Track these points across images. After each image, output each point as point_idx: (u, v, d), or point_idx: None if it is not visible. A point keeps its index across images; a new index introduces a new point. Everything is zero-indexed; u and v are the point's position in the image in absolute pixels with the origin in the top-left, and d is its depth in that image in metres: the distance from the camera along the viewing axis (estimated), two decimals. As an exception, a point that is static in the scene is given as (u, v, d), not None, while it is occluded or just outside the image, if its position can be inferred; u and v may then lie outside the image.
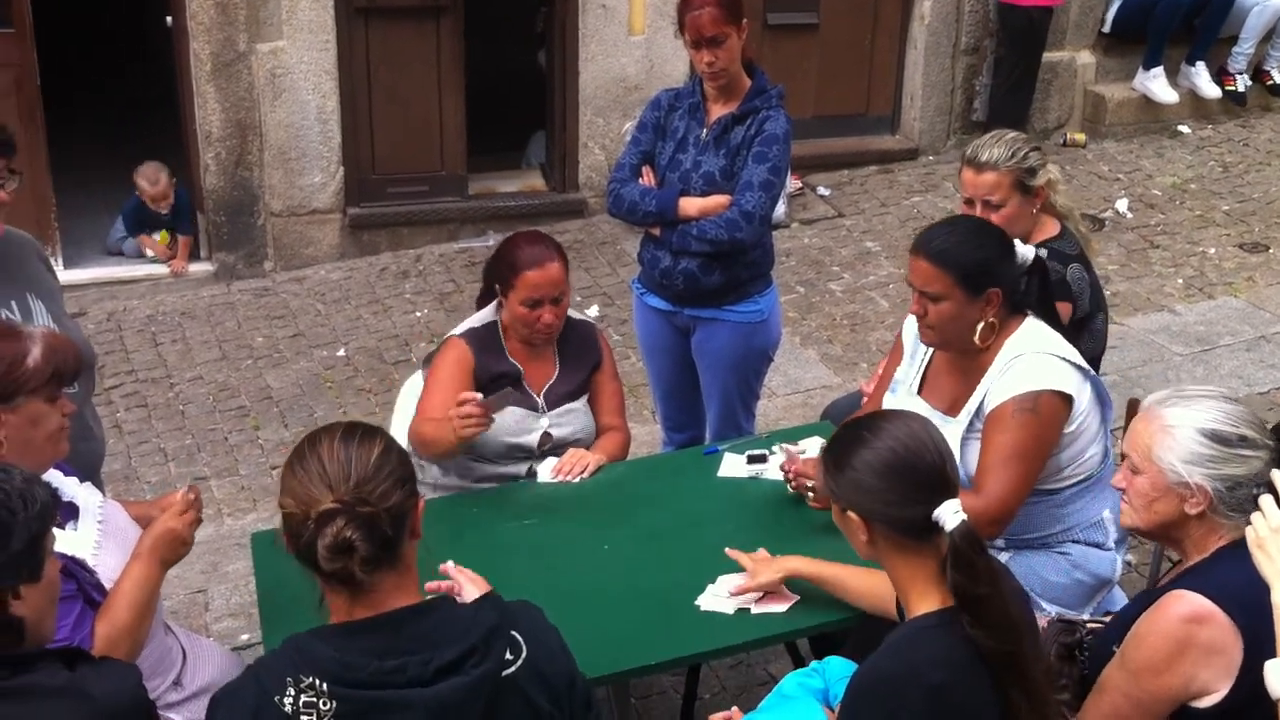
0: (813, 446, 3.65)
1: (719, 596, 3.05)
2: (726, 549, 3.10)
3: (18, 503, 2.08)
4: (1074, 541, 3.33)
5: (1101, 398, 3.28)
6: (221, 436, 5.64)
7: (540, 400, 3.72)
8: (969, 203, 3.82)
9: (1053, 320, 3.34)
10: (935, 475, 2.34)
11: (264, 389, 5.99)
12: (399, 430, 4.02)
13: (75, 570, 2.65)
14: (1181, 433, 2.46)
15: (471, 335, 3.71)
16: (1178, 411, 2.48)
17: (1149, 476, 2.50)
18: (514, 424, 3.67)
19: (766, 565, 3.04)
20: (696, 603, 3.04)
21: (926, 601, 2.36)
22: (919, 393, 3.43)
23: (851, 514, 2.40)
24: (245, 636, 4.29)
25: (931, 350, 3.41)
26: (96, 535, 2.80)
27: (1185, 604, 2.40)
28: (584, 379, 3.81)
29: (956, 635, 2.28)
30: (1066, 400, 3.14)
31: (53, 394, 2.67)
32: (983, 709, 2.28)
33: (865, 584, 2.90)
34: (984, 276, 3.16)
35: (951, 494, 2.35)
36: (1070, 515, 3.30)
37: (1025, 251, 3.31)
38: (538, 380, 3.74)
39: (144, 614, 2.70)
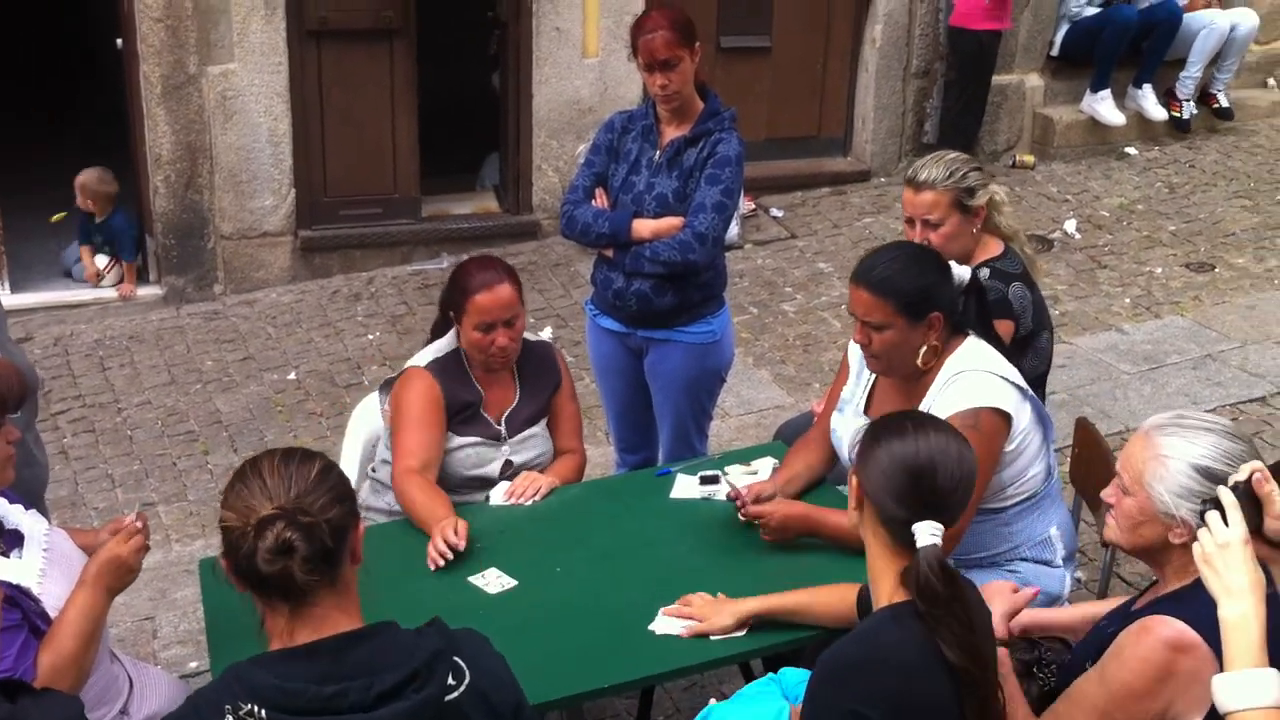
0: (765, 467, 3.66)
1: (672, 621, 3.04)
2: (662, 610, 3.06)
3: None
4: (1022, 559, 3.35)
5: (1042, 417, 3.31)
6: (170, 462, 5.58)
7: (501, 428, 3.70)
8: (909, 222, 3.86)
9: (992, 339, 3.37)
10: (937, 495, 2.41)
11: (213, 413, 5.93)
12: (350, 454, 4.01)
13: (20, 599, 2.62)
14: (1174, 465, 2.43)
15: (435, 365, 3.67)
16: (1175, 442, 2.45)
17: (1137, 501, 2.49)
18: (475, 455, 3.66)
19: (716, 608, 3.02)
20: (650, 628, 3.03)
21: (896, 594, 2.43)
22: (865, 412, 3.45)
23: (855, 480, 2.52)
24: (194, 664, 4.23)
25: None
26: (41, 563, 2.76)
27: (1169, 630, 2.39)
28: (544, 402, 3.80)
29: (922, 628, 2.35)
30: (1005, 418, 3.17)
31: None
32: (944, 701, 2.33)
33: (826, 600, 2.96)
34: (924, 302, 3.20)
35: (939, 519, 2.40)
36: (1017, 534, 3.32)
37: (961, 272, 3.34)
38: (498, 406, 3.72)
39: (90, 643, 2.66)
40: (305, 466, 2.13)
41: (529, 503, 3.57)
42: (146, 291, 7.05)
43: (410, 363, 3.73)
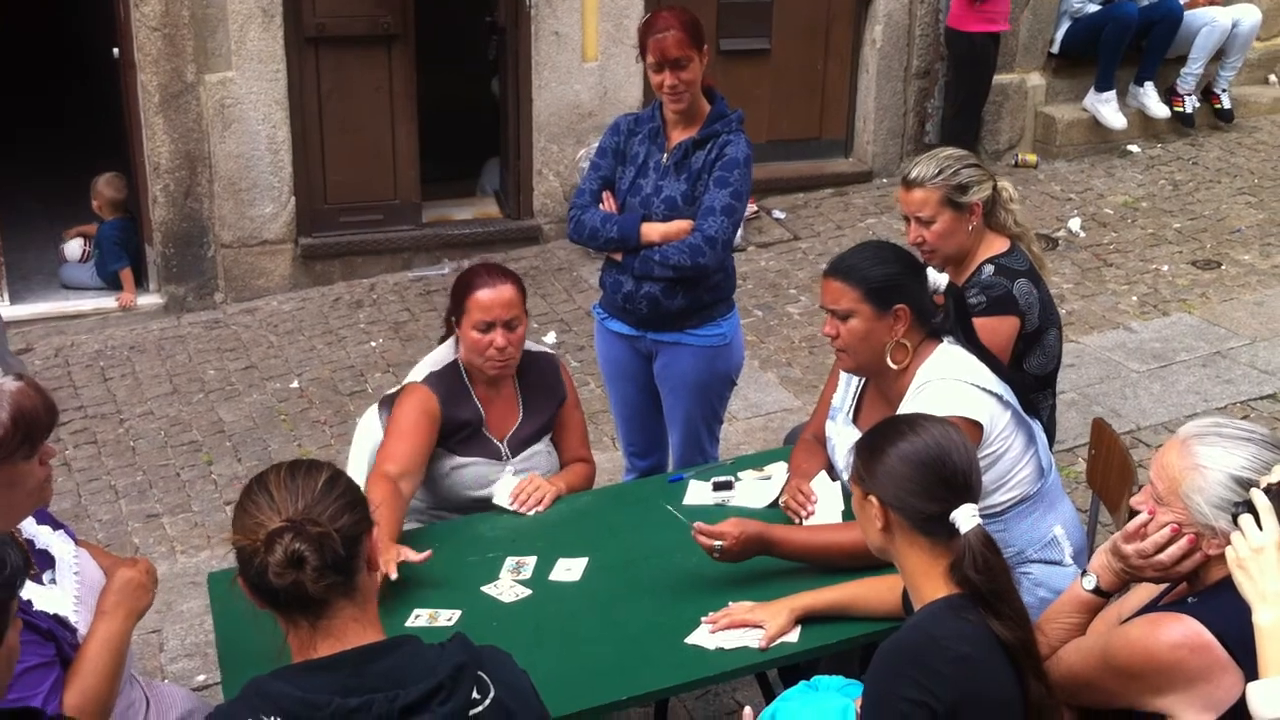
0: (778, 472, 3.63)
1: (725, 633, 2.98)
2: (704, 620, 3.00)
3: None
4: (1031, 561, 3.32)
5: (1022, 420, 3.26)
6: (173, 472, 5.53)
7: (504, 447, 3.64)
8: (906, 219, 3.88)
9: (974, 344, 3.34)
10: (960, 478, 2.46)
11: (216, 423, 5.89)
12: (356, 466, 3.95)
13: (58, 632, 2.54)
14: (1213, 475, 2.39)
15: (434, 379, 3.60)
16: (1214, 453, 2.40)
17: (1174, 511, 2.45)
18: (477, 475, 3.60)
19: (770, 612, 2.98)
20: (691, 641, 2.96)
21: (939, 591, 2.46)
22: (854, 421, 3.45)
23: (874, 499, 2.50)
24: (201, 677, 4.19)
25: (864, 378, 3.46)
26: (75, 589, 2.66)
27: (1181, 628, 2.36)
28: (549, 418, 3.74)
29: (975, 618, 2.39)
30: (975, 426, 3.13)
31: (29, 453, 2.54)
32: (1005, 686, 2.37)
33: (877, 589, 2.95)
34: (889, 291, 3.22)
35: (971, 499, 2.45)
36: (1018, 537, 3.29)
37: (937, 279, 3.35)
38: (500, 424, 3.65)
39: (116, 675, 2.60)
40: (312, 477, 2.11)
41: (532, 513, 3.52)
42: (147, 301, 7.01)
43: (408, 378, 3.67)
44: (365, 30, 7.02)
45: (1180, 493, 2.42)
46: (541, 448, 3.70)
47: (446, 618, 3.05)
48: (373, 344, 6.53)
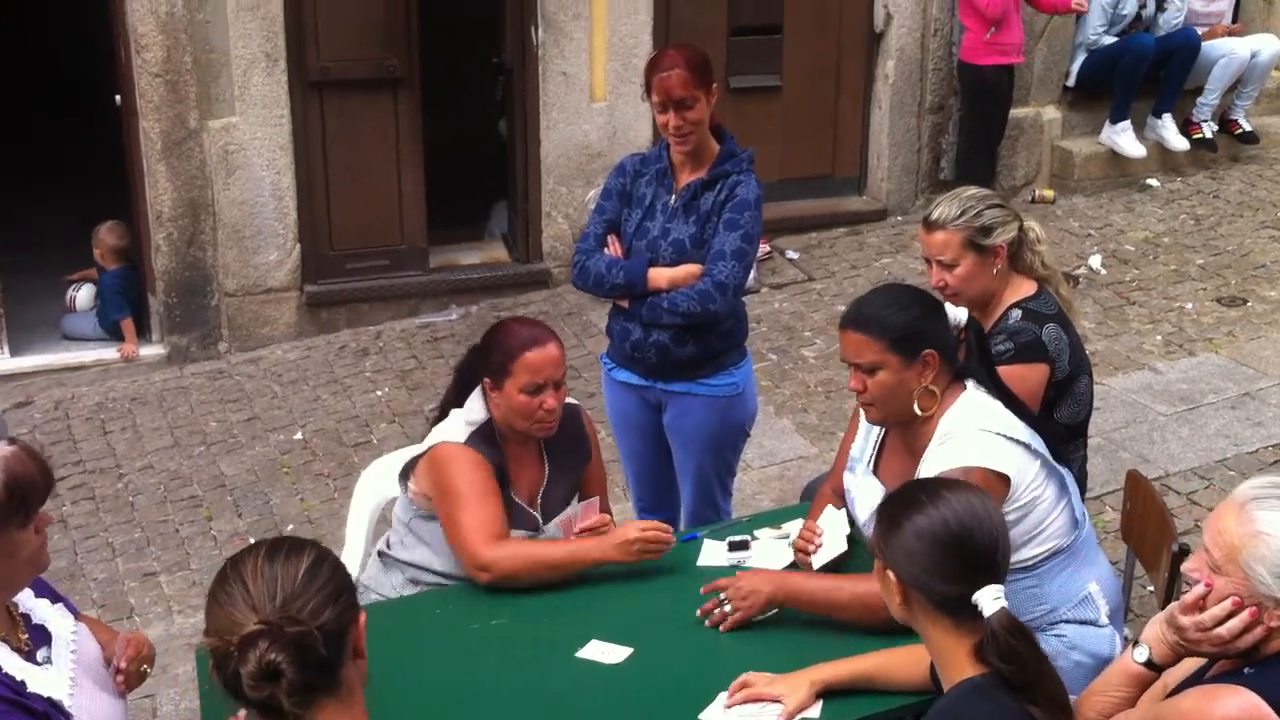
0: (795, 530, 3.47)
1: (740, 709, 2.81)
2: (723, 696, 2.83)
3: None
4: (1065, 622, 3.14)
5: (1053, 469, 3.11)
6: (173, 529, 5.38)
7: (537, 514, 3.42)
8: (927, 262, 3.73)
9: (996, 385, 3.19)
10: (984, 557, 2.30)
11: (217, 476, 5.75)
12: (357, 524, 3.81)
13: (53, 716, 2.38)
14: (1275, 543, 2.22)
15: (476, 440, 3.34)
16: (1275, 518, 2.24)
17: (1233, 581, 2.28)
18: None
19: (790, 685, 2.80)
20: (706, 717, 2.79)
21: (966, 671, 2.30)
22: (875, 471, 3.29)
23: (891, 575, 2.36)
24: (197, 747, 4.03)
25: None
26: (71, 670, 2.51)
27: (1239, 701, 2.21)
28: (578, 478, 3.54)
29: (1008, 697, 2.23)
30: (1003, 479, 2.98)
31: (23, 521, 2.39)
32: None
33: (902, 663, 2.77)
34: (916, 338, 3.07)
35: (996, 579, 2.29)
36: (1051, 594, 3.12)
37: (957, 314, 3.19)
38: (528, 487, 3.43)
39: None
40: (291, 564, 1.93)
41: None
42: (149, 351, 6.90)
43: (443, 438, 3.37)
44: (370, 73, 6.93)
45: (1240, 561, 2.26)
46: (573, 511, 3.49)
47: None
48: (379, 393, 6.39)
